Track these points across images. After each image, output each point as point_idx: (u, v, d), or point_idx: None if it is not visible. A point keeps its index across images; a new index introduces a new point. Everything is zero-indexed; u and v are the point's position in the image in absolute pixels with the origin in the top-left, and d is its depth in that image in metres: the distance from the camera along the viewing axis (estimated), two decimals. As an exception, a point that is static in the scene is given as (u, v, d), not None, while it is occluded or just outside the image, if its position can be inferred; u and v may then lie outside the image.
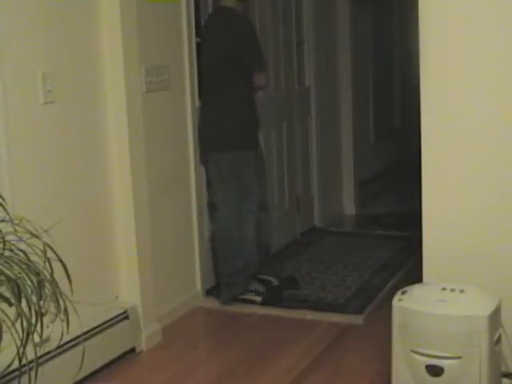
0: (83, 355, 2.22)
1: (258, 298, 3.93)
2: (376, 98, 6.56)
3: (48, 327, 2.17)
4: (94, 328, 3.19)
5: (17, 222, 2.15)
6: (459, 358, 2.47)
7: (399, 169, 6.72)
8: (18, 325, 2.02)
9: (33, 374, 2.03)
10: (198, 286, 4.08)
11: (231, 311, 3.91)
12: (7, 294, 2.02)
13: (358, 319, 3.74)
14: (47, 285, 2.07)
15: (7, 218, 2.15)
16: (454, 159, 2.79)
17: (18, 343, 2.04)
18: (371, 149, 6.51)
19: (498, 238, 2.76)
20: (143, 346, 3.47)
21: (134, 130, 3.40)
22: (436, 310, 2.51)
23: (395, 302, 2.60)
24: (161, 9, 3.70)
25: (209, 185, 4.03)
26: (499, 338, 2.57)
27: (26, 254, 2.10)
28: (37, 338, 2.07)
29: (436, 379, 2.50)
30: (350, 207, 5.89)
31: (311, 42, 5.29)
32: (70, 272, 2.20)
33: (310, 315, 3.82)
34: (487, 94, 2.71)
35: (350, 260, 4.68)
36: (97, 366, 3.19)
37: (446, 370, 2.48)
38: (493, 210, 2.76)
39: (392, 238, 5.12)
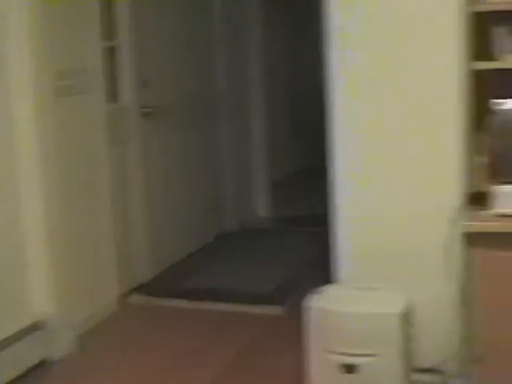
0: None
1: None
2: (290, 101, 6.60)
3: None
4: (3, 340, 3.09)
5: None
6: (373, 355, 2.51)
7: (313, 169, 6.78)
8: None
9: None
10: (116, 290, 4.00)
11: (152, 314, 3.92)
12: None
13: (279, 310, 3.85)
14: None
15: None
16: (364, 161, 2.84)
17: None
18: (285, 150, 6.54)
19: (408, 238, 2.82)
20: (57, 356, 3.37)
21: (44, 136, 3.31)
22: (349, 308, 2.54)
23: (309, 302, 2.62)
24: (72, 11, 3.61)
25: None
26: (411, 335, 2.62)
27: None
28: None
29: (350, 376, 2.54)
30: (263, 209, 5.86)
31: (222, 44, 5.25)
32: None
33: (234, 308, 3.90)
34: (391, 88, 2.78)
35: (266, 258, 4.73)
36: (6, 380, 3.08)
37: (359, 367, 2.52)
38: (403, 211, 2.82)
39: (308, 236, 5.15)
